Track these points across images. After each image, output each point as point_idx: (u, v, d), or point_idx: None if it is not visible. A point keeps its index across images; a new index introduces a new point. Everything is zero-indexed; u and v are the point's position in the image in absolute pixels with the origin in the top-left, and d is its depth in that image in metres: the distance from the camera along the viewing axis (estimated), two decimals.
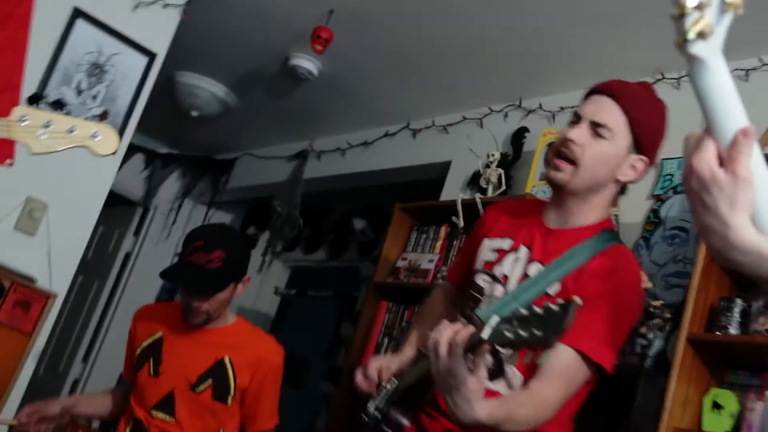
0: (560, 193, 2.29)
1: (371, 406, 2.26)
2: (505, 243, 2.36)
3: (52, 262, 4.08)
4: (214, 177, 6.78)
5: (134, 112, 4.39)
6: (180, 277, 3.20)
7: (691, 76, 1.24)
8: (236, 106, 5.74)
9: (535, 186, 4.23)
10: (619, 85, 2.28)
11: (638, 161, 2.26)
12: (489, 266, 2.35)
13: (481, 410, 1.82)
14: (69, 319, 6.67)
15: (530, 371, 2.17)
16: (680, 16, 1.19)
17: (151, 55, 4.39)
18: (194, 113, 5.72)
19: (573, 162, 2.21)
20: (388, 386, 2.28)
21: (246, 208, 6.90)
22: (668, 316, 3.38)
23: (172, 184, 6.92)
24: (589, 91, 2.32)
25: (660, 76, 4.08)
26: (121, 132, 4.31)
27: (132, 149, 6.38)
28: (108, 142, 2.52)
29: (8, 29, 3.90)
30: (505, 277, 2.30)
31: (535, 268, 2.26)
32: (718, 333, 3.17)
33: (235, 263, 3.16)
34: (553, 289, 2.19)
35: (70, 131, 2.51)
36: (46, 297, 3.98)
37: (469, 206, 4.19)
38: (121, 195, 6.55)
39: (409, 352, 2.33)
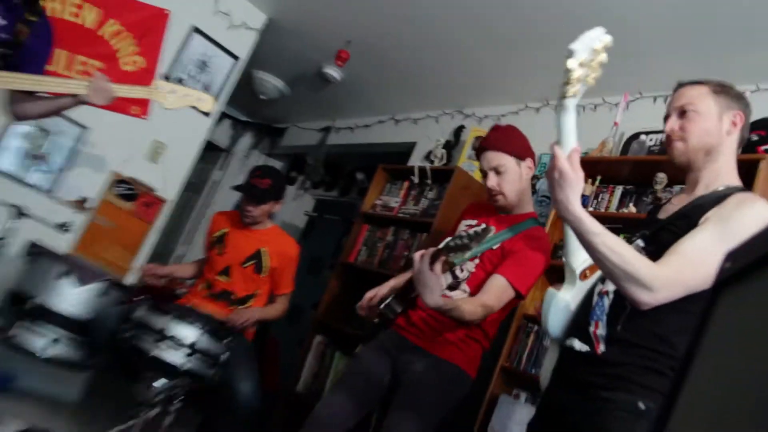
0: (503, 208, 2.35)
1: (382, 304, 2.26)
2: (473, 222, 2.37)
3: (167, 181, 4.14)
4: (272, 138, 6.72)
5: (223, 92, 4.40)
6: (243, 189, 3.21)
7: (558, 114, 1.45)
8: (289, 94, 5.69)
9: (464, 162, 4.23)
10: (488, 140, 2.31)
11: (528, 163, 2.30)
12: None
13: (439, 300, 1.87)
14: (178, 217, 6.59)
15: (476, 290, 2.20)
16: (566, 83, 1.39)
17: (236, 58, 4.40)
18: (262, 97, 5.70)
19: (501, 194, 2.28)
20: (390, 297, 2.26)
21: (290, 159, 6.79)
22: None
23: (246, 140, 6.86)
24: (477, 151, 2.35)
25: (545, 103, 4.15)
26: None
27: (224, 116, 6.41)
28: (208, 104, 2.72)
29: (152, 35, 3.93)
30: None
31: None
32: (557, 260, 3.16)
33: (276, 189, 3.21)
34: (497, 246, 2.23)
35: (186, 96, 2.65)
36: (161, 201, 4.08)
37: (422, 170, 4.18)
38: (215, 144, 6.60)
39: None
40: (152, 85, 2.62)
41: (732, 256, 0.77)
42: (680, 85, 1.67)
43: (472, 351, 2.30)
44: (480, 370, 3.21)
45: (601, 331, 1.55)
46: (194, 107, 2.74)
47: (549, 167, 1.45)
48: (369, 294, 2.32)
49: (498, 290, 2.15)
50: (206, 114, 4.28)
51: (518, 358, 3.18)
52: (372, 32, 4.18)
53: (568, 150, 1.44)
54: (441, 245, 1.81)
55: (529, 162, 2.31)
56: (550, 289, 1.74)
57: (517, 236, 2.24)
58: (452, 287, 2.23)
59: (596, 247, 1.44)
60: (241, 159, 6.85)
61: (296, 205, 6.68)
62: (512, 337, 3.21)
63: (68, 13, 3.66)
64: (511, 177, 2.28)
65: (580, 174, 1.43)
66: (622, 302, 1.53)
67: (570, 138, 1.44)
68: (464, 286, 2.24)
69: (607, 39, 1.40)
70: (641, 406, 1.43)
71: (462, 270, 2.25)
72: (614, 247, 1.43)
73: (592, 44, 1.38)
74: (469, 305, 2.06)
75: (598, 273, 1.68)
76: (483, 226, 1.72)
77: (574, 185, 1.43)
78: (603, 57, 1.40)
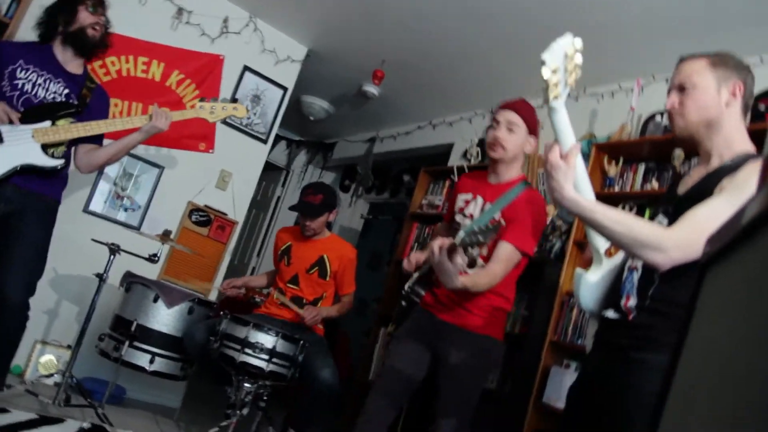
0: (495, 163, 2.36)
1: (406, 286, 2.32)
2: (469, 196, 2.43)
3: (235, 204, 4.21)
4: (324, 153, 6.75)
5: (277, 119, 4.46)
6: (299, 208, 3.29)
7: (550, 115, 1.41)
8: (334, 113, 5.74)
9: None
10: (514, 102, 2.35)
11: (532, 140, 2.34)
12: (461, 210, 2.44)
13: (458, 281, 1.96)
14: (248, 234, 6.75)
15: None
16: (546, 88, 1.37)
17: (285, 88, 4.46)
18: (312, 118, 5.76)
19: (502, 147, 2.31)
20: (415, 274, 2.30)
21: (342, 170, 6.87)
22: (565, 228, 3.38)
23: (301, 157, 6.90)
24: (499, 107, 2.37)
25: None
26: (270, 130, 4.41)
27: (279, 138, 6.51)
28: (242, 111, 2.90)
29: (210, 79, 4.03)
30: (471, 215, 2.38)
31: (486, 207, 2.35)
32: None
33: (328, 202, 3.28)
34: (497, 216, 2.28)
35: (224, 109, 2.85)
36: (233, 223, 4.14)
37: (460, 169, 4.23)
38: (274, 164, 6.64)
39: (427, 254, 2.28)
40: (196, 107, 2.84)
41: (710, 242, 0.82)
42: (681, 60, 1.58)
43: (496, 318, 2.33)
44: (531, 347, 3.24)
45: (632, 303, 1.55)
46: (234, 114, 2.95)
47: (544, 160, 1.44)
48: (413, 257, 2.34)
49: (506, 256, 2.21)
50: (264, 141, 4.40)
51: (564, 331, 3.17)
52: (403, 50, 4.21)
53: (568, 146, 1.41)
54: (457, 240, 1.86)
55: (534, 140, 2.36)
56: (578, 270, 1.72)
57: (513, 203, 2.28)
58: (470, 265, 2.28)
59: (600, 222, 1.39)
60: (298, 175, 6.92)
61: (352, 210, 6.72)
62: (557, 312, 3.21)
63: (139, 71, 3.85)
64: (517, 138, 2.32)
65: (572, 164, 1.41)
66: (651, 276, 1.51)
67: (566, 135, 1.42)
68: (480, 261, 2.30)
69: (578, 42, 1.37)
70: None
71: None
72: (617, 218, 1.38)
73: (563, 50, 1.36)
74: (483, 278, 2.14)
75: None
76: (495, 223, 1.76)
77: (565, 173, 1.41)
78: (578, 59, 1.37)
